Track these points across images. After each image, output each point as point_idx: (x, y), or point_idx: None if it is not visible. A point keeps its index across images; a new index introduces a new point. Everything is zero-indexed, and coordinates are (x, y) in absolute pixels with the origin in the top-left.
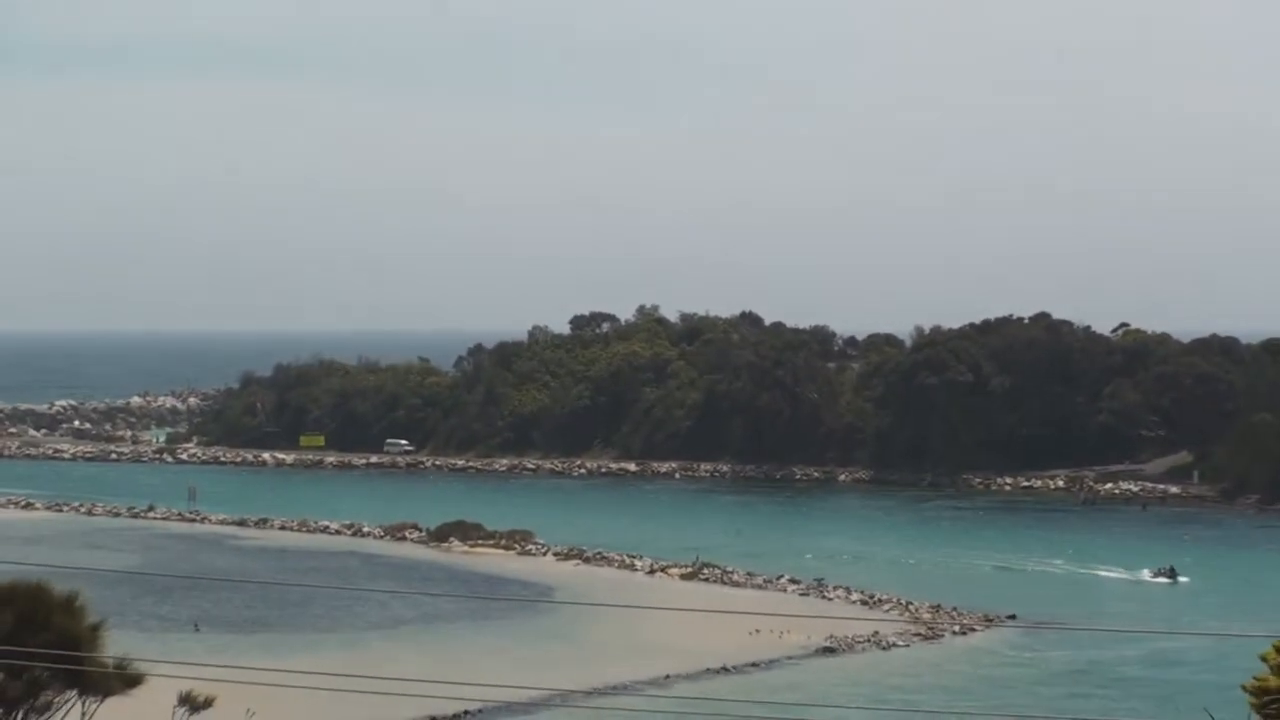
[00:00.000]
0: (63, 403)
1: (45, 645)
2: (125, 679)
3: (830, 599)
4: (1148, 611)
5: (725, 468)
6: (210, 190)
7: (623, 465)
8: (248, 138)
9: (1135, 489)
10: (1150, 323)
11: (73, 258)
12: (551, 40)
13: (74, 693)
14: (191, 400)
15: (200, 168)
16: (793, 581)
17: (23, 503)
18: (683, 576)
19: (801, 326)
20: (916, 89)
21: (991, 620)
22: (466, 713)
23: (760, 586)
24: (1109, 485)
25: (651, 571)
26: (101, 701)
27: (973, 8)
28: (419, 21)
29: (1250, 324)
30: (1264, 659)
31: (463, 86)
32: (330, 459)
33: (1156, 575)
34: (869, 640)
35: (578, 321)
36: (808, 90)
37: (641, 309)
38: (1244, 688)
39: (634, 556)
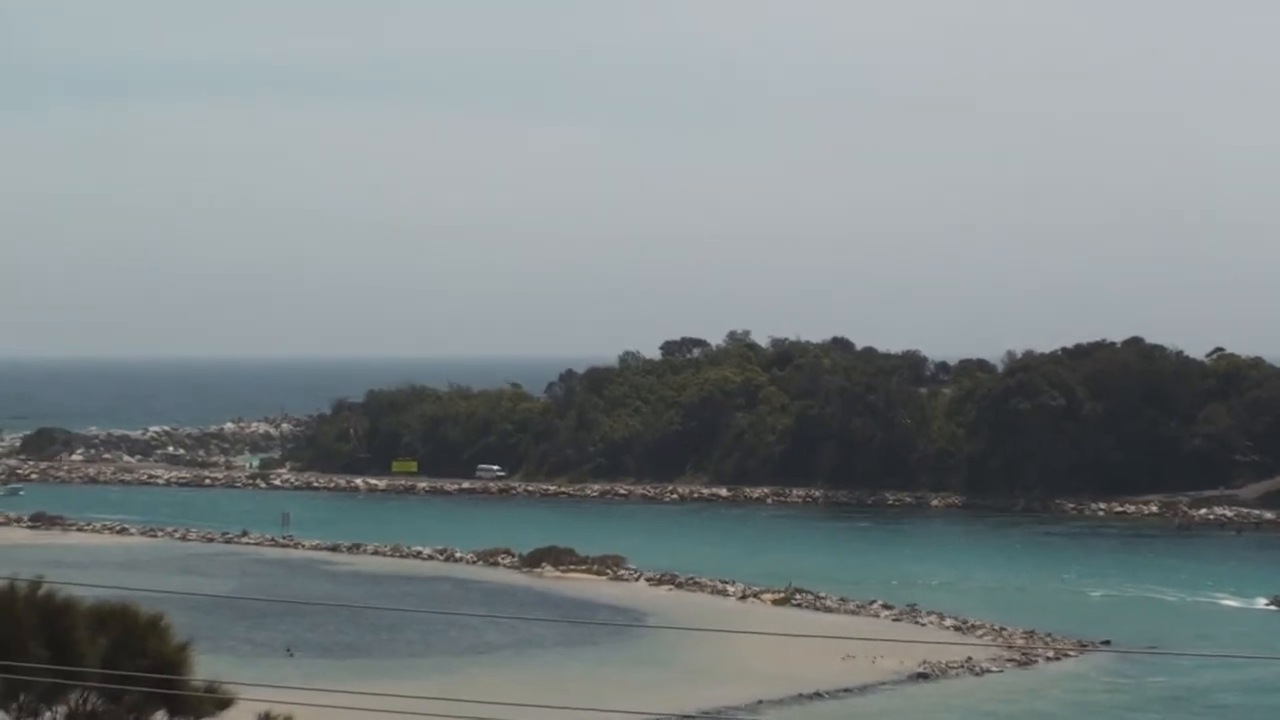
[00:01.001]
0: (157, 428)
1: (141, 668)
2: (217, 701)
3: (923, 624)
4: (1249, 639)
5: (817, 493)
6: (317, 220)
7: (714, 490)
8: (339, 164)
9: (1230, 514)
10: (1244, 347)
11: (167, 285)
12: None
13: (163, 714)
14: (284, 426)
15: (302, 197)
16: (886, 607)
17: (117, 528)
18: (775, 602)
19: (893, 351)
20: (1011, 108)
21: (1086, 646)
22: None
23: (853, 612)
24: (1203, 510)
25: (743, 597)
26: None
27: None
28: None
29: None
30: None
31: (579, 116)
32: (422, 484)
33: (1271, 604)
34: (962, 666)
35: (669, 347)
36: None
37: (732, 334)
38: None
39: (726, 582)
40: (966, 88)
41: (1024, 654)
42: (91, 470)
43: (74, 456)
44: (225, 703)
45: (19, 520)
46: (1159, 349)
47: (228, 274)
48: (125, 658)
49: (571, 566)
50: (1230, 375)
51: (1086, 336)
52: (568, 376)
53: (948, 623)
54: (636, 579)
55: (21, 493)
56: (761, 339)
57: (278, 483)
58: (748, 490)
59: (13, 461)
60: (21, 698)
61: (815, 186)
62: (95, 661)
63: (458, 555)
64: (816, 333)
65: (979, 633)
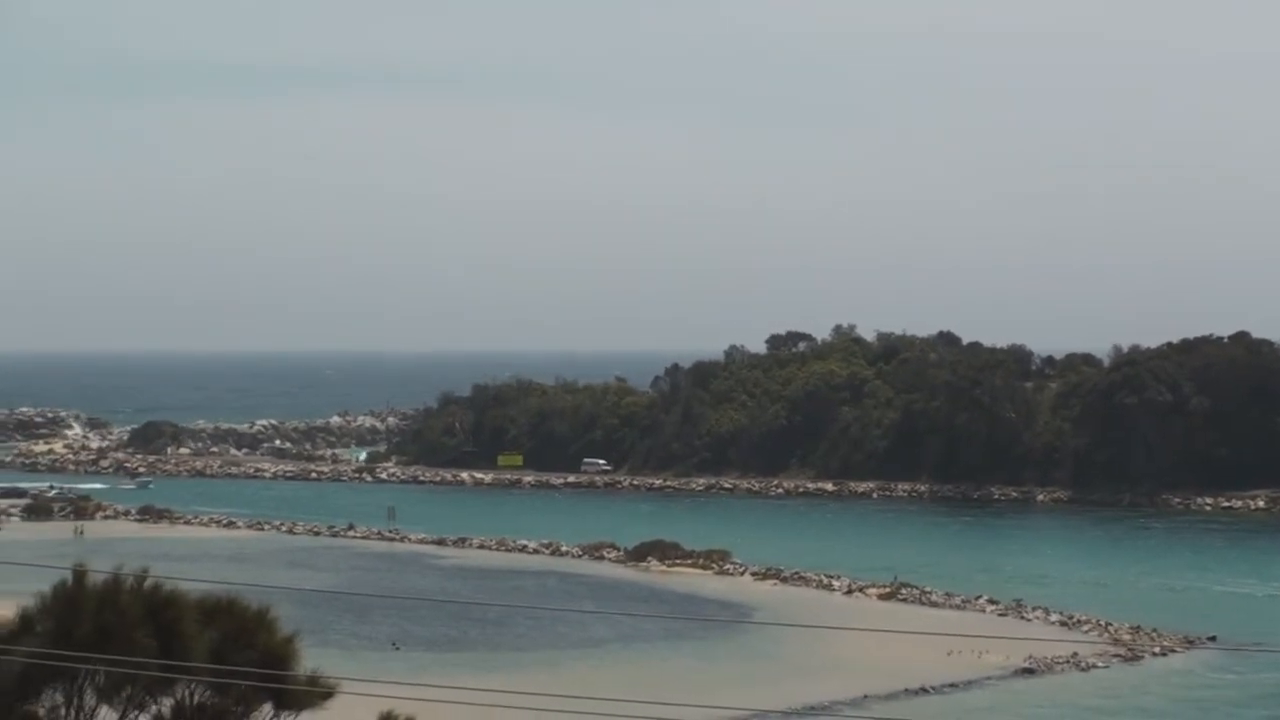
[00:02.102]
0: (264, 422)
1: (249, 661)
2: (321, 692)
3: (1029, 619)
4: None
5: (922, 487)
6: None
7: (820, 485)
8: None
9: None
10: None
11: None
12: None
13: (270, 707)
14: (390, 420)
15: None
16: (991, 602)
17: (224, 521)
18: (880, 596)
19: (999, 345)
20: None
21: (1192, 642)
22: None
23: (958, 607)
24: None
25: (849, 591)
26: (296, 716)
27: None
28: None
29: None
30: None
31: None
32: (528, 478)
33: None
34: (1068, 661)
35: (774, 341)
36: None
37: (838, 328)
38: None
39: (831, 576)
40: (1099, 95)
41: (1130, 649)
42: (198, 464)
43: (181, 450)
44: (328, 694)
45: (127, 513)
46: (1266, 343)
47: (347, 267)
48: (233, 650)
49: (677, 561)
50: None
51: (1193, 331)
52: (673, 371)
53: (1053, 618)
54: (742, 573)
55: (151, 485)
56: (867, 333)
57: (384, 476)
58: (853, 485)
59: (120, 455)
60: (128, 690)
61: (923, 186)
62: (203, 654)
63: (563, 549)
64: (922, 326)
65: (1085, 628)
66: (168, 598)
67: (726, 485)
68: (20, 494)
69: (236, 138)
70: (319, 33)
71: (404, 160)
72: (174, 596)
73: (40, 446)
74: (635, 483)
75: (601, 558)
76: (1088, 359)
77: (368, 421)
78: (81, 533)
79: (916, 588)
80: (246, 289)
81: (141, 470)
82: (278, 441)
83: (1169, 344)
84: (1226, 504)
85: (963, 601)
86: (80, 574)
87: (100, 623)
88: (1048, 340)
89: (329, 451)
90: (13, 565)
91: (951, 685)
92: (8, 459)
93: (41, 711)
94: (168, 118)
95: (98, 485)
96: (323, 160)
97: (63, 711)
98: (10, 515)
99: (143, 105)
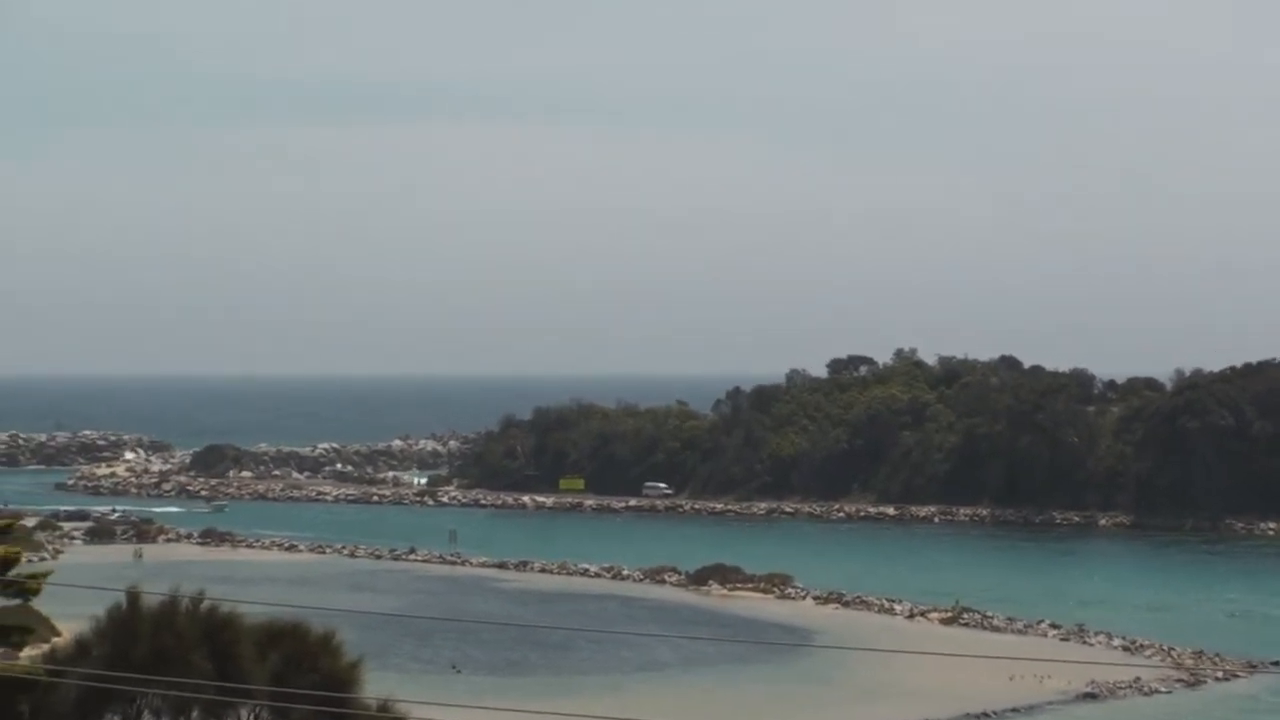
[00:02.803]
0: (325, 445)
1: (311, 685)
2: (390, 719)
3: (1091, 644)
4: None
5: (984, 511)
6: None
7: (881, 509)
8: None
9: None
10: None
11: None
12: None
13: None
14: (452, 444)
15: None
16: (1053, 626)
17: (286, 544)
18: (942, 621)
19: (1060, 369)
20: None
21: (1255, 666)
22: None
23: (1020, 631)
24: None
25: (911, 616)
26: None
27: None
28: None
29: None
30: None
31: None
32: (589, 502)
33: None
34: (1130, 686)
35: (835, 365)
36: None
37: (899, 352)
38: None
39: (893, 600)
40: (1173, 117)
41: (1193, 674)
42: (260, 487)
43: (243, 474)
44: None
45: (189, 536)
46: None
47: (411, 291)
48: (296, 674)
49: (738, 585)
50: None
51: (1256, 355)
52: (734, 394)
53: (1115, 642)
54: (804, 597)
55: (226, 508)
56: (929, 357)
57: (445, 500)
58: (914, 509)
59: (182, 478)
60: (194, 713)
61: (985, 205)
62: (263, 677)
63: (624, 573)
64: (984, 350)
65: (1147, 653)
66: (224, 620)
67: (788, 509)
68: (83, 517)
69: (323, 161)
70: (461, 54)
71: (440, 179)
72: (231, 619)
73: (102, 469)
74: (696, 506)
75: (663, 581)
76: (1150, 383)
77: (429, 445)
78: (140, 556)
79: (978, 612)
80: (310, 311)
81: (211, 493)
82: (339, 465)
83: (1231, 368)
84: None
85: (1025, 626)
86: (135, 597)
87: (157, 645)
88: (1110, 364)
89: (390, 475)
90: (74, 588)
91: (1013, 710)
92: (70, 481)
93: None
94: (261, 141)
95: (173, 509)
96: (384, 184)
97: None
98: (74, 539)
99: (243, 129)
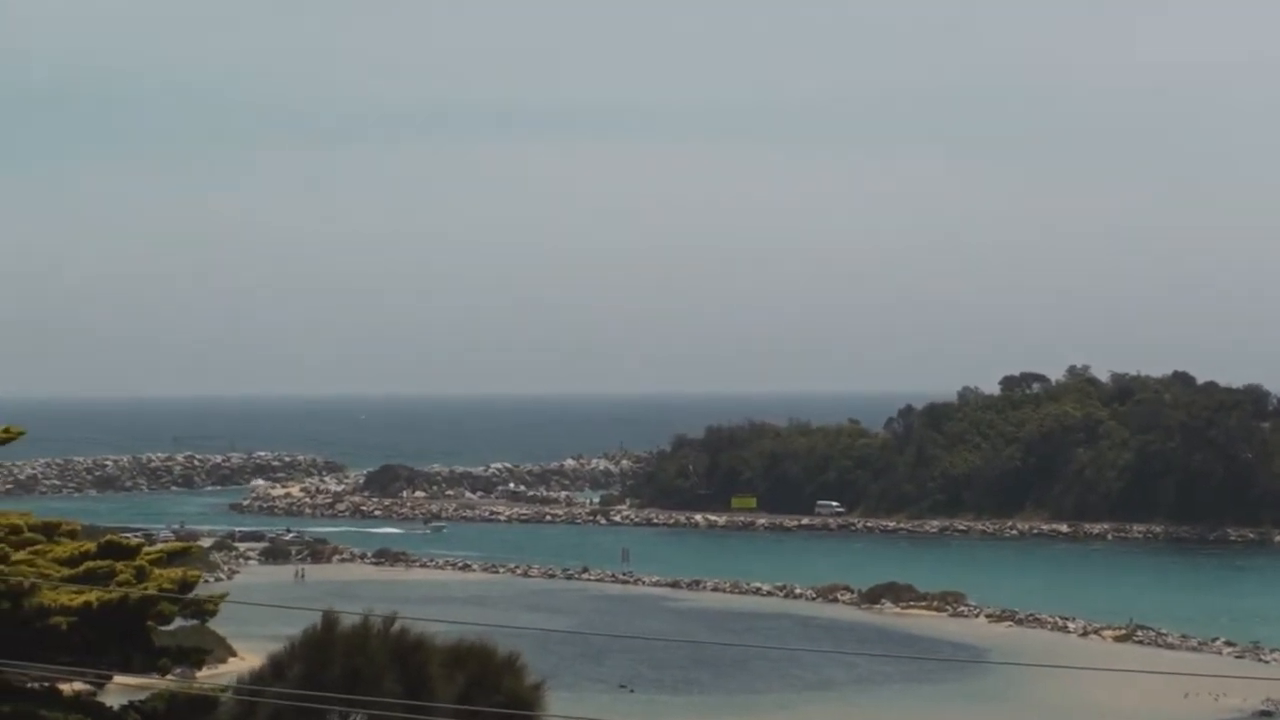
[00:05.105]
0: (498, 465)
1: (495, 706)
2: None
3: (1267, 661)
4: None
5: (1157, 528)
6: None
7: (1054, 526)
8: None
9: None
10: None
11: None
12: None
13: None
14: (624, 462)
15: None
16: (1228, 644)
17: (460, 564)
18: (1116, 638)
19: (1234, 386)
20: None
21: None
22: None
23: (1195, 649)
24: None
25: (1084, 633)
26: None
27: None
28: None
29: None
30: None
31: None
32: (761, 520)
33: None
34: None
35: (1008, 382)
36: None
37: (1072, 369)
38: None
39: (1067, 618)
40: None
41: None
42: (434, 507)
43: (416, 493)
44: None
45: (363, 556)
46: None
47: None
48: (480, 695)
49: (911, 603)
50: None
51: None
52: (906, 412)
53: None
54: (976, 615)
55: (445, 530)
56: (1101, 374)
57: (618, 519)
58: (1087, 526)
59: (356, 498)
60: None
61: (1153, 218)
62: (450, 699)
63: (797, 591)
64: (1156, 367)
65: None
66: (414, 642)
67: (960, 527)
68: (259, 538)
69: (474, 177)
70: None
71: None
72: (421, 641)
73: (277, 490)
74: (869, 525)
75: (835, 600)
76: None
77: (601, 464)
78: (303, 577)
79: (1152, 629)
80: (469, 331)
81: (378, 513)
82: (512, 484)
83: None
84: None
85: (1199, 643)
86: (332, 619)
87: (349, 667)
88: None
89: (563, 494)
90: (253, 607)
91: None
92: (245, 502)
93: None
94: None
95: (391, 529)
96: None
97: None
98: (249, 559)
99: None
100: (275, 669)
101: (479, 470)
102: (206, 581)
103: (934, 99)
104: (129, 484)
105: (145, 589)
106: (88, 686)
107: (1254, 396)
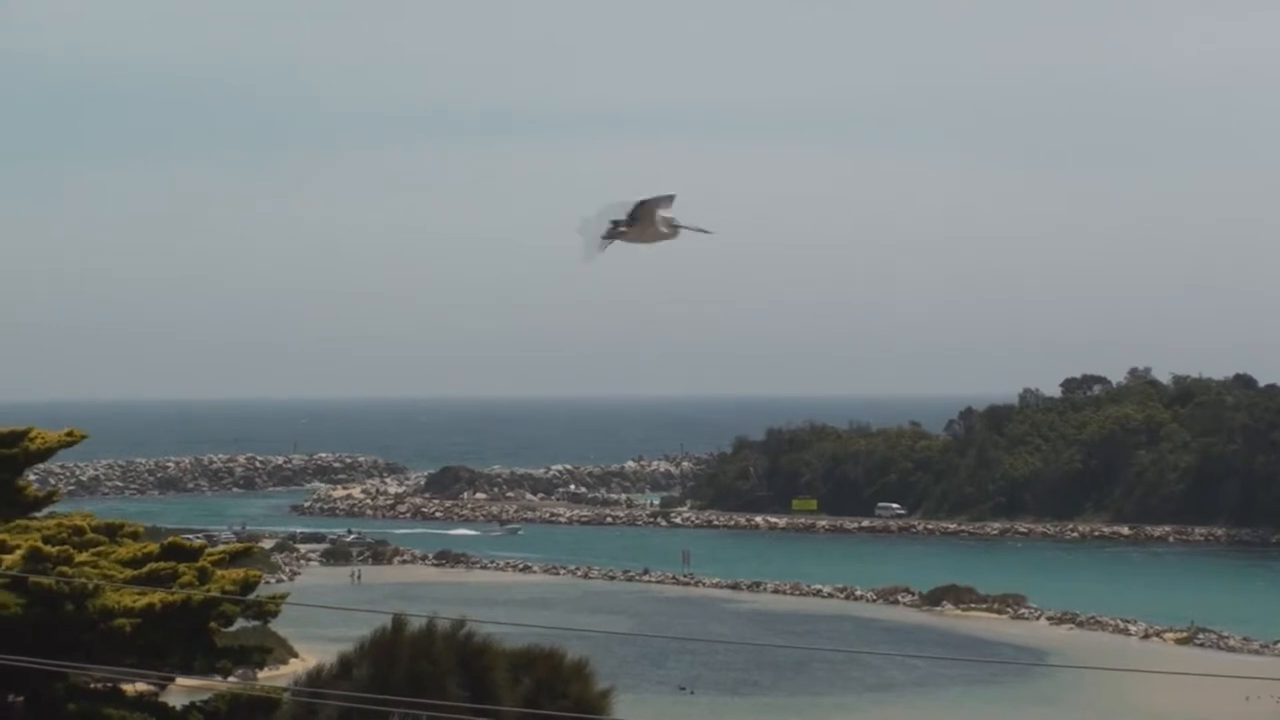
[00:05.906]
0: (559, 467)
1: (563, 711)
2: None
3: None
4: None
5: (1219, 531)
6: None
7: (1115, 529)
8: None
9: None
10: None
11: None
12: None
13: None
14: (684, 465)
15: None
16: None
17: (520, 566)
18: (1178, 641)
19: None
20: None
21: None
22: None
23: (1257, 652)
24: None
25: (1146, 636)
26: None
27: None
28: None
29: None
30: None
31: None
32: (822, 522)
33: None
34: None
35: (1069, 384)
36: None
37: (1133, 371)
38: None
39: (1128, 621)
40: None
41: None
42: (494, 508)
43: (477, 495)
44: None
45: (424, 558)
46: None
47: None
48: (547, 700)
49: (972, 605)
50: None
51: None
52: (967, 414)
53: None
54: (1037, 618)
55: (520, 532)
56: (1163, 376)
57: (678, 521)
58: (1149, 528)
59: (417, 500)
60: None
61: (1215, 222)
62: (515, 703)
63: (858, 593)
64: (1218, 369)
65: None
66: (480, 646)
67: (1021, 529)
68: (320, 539)
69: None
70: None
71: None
72: (486, 645)
73: (339, 491)
74: (929, 527)
75: (896, 602)
76: None
77: (662, 466)
78: (359, 578)
79: (1214, 632)
80: (531, 336)
81: (439, 514)
82: (572, 486)
83: None
84: None
85: (1261, 646)
86: (401, 621)
87: (415, 670)
88: None
89: (624, 496)
90: (315, 609)
91: None
92: (306, 504)
93: None
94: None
95: (467, 531)
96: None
97: None
98: (310, 560)
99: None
100: (344, 668)
101: (539, 472)
102: (267, 583)
103: (1017, 100)
104: (191, 485)
105: (208, 591)
106: (150, 687)
107: None
